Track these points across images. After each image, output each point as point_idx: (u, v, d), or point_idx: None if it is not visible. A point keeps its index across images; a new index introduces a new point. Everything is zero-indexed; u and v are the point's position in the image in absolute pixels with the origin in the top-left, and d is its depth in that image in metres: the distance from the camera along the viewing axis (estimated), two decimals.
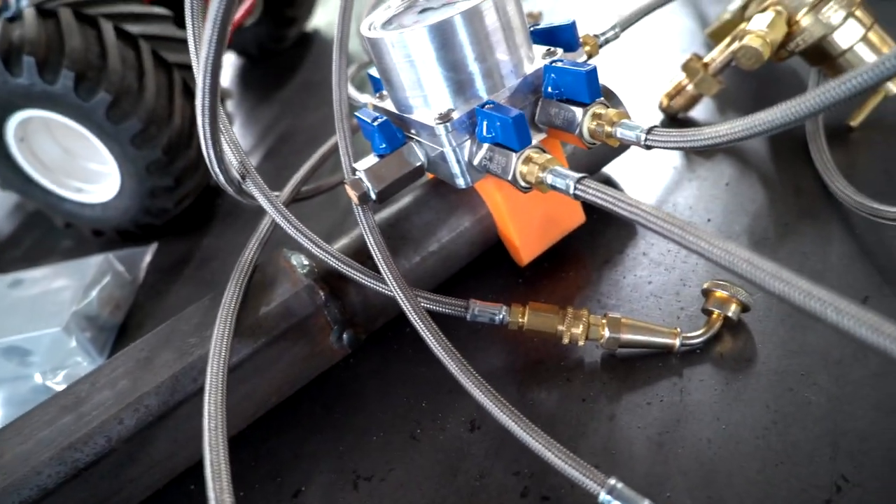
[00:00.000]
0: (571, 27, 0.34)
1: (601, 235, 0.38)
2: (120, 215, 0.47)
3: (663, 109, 0.45)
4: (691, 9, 0.57)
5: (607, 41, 0.39)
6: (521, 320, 0.31)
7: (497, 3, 0.29)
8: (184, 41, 0.46)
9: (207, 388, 0.26)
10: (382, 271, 0.30)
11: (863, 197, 0.33)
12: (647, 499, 0.22)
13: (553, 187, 0.27)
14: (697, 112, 0.45)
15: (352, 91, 0.46)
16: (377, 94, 0.36)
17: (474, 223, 0.35)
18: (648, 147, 0.27)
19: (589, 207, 0.36)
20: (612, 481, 0.22)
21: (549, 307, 0.31)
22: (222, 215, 0.51)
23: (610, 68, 0.49)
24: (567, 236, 0.37)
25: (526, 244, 0.35)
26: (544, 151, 0.28)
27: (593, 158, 0.38)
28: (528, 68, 0.31)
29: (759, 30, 0.36)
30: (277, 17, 0.71)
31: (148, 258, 0.47)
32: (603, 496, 0.22)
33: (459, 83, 0.30)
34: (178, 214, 0.49)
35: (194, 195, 0.49)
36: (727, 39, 0.42)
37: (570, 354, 0.32)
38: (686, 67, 0.43)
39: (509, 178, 0.28)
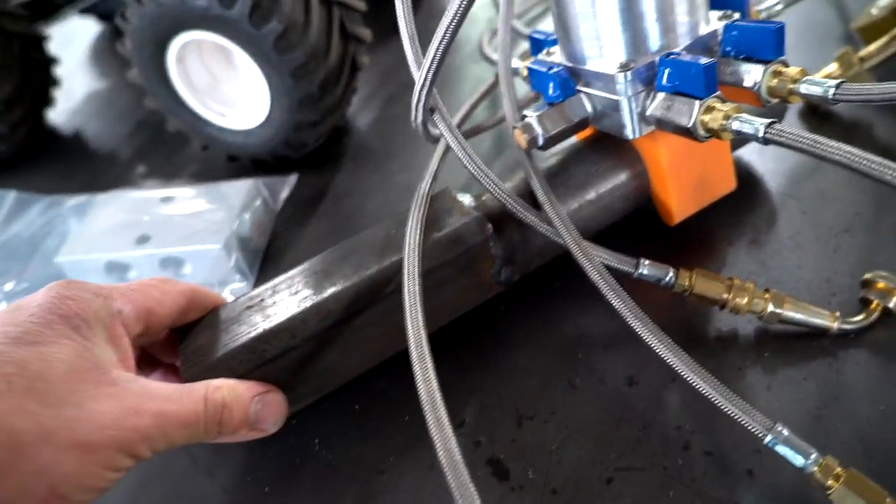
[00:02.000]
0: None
1: (747, 213, 0.39)
2: (261, 144, 0.49)
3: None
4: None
5: (770, 17, 0.40)
6: (688, 283, 0.32)
7: None
8: None
9: (406, 289, 0.28)
10: (552, 216, 0.32)
11: None
12: (814, 450, 0.24)
13: (739, 133, 0.28)
14: (839, 106, 0.45)
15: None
16: (544, 52, 0.37)
17: (630, 178, 0.36)
18: (836, 101, 0.27)
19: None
20: (780, 427, 0.24)
21: (715, 275, 0.32)
22: (351, 154, 0.52)
23: None
24: (713, 210, 0.38)
25: (680, 202, 0.36)
26: (726, 101, 0.29)
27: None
28: (703, 29, 0.32)
29: None
30: None
31: (288, 189, 0.49)
32: (769, 438, 0.24)
33: (638, 37, 0.31)
34: (312, 150, 0.51)
35: (330, 132, 0.51)
36: (886, 37, 0.42)
37: (723, 326, 0.33)
38: (840, 59, 0.43)
39: (690, 124, 0.29)
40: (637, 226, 0.39)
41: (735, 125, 0.28)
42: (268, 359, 0.30)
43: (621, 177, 0.36)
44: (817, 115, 0.45)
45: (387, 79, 0.62)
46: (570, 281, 0.37)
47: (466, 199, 0.35)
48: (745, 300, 0.31)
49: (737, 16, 0.32)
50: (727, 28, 0.31)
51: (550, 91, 0.34)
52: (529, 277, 0.37)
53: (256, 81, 0.46)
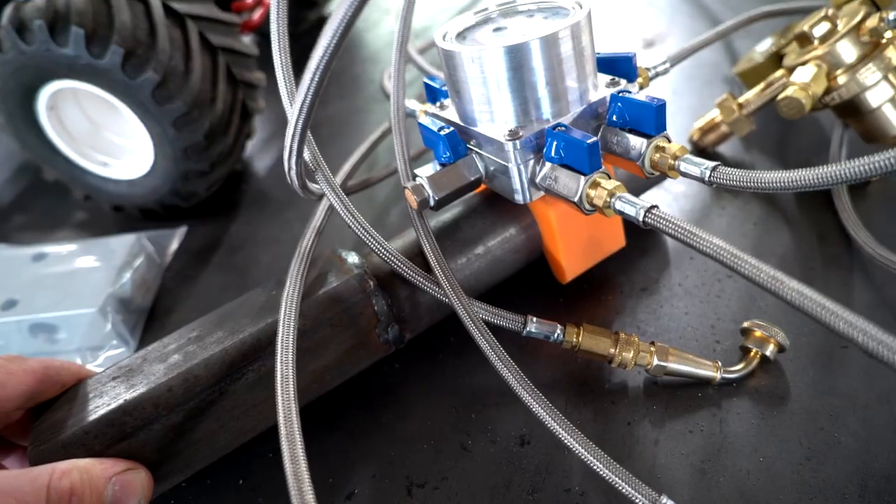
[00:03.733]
0: (631, 59, 0.35)
1: (638, 263, 0.39)
2: (147, 194, 0.47)
3: (694, 142, 0.47)
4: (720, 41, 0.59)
5: (658, 74, 0.41)
6: (575, 340, 0.32)
7: (574, 30, 0.30)
8: (228, 24, 0.46)
9: (279, 358, 0.27)
10: (440, 277, 0.31)
11: (884, 249, 0.35)
12: None
13: (621, 213, 0.28)
14: (724, 148, 0.47)
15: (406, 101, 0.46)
16: (437, 104, 0.36)
17: (520, 232, 0.36)
18: (712, 184, 0.28)
19: (626, 233, 0.38)
20: (664, 499, 0.24)
21: (602, 330, 0.32)
22: (248, 202, 0.50)
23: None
24: (605, 261, 0.38)
25: (570, 262, 0.36)
26: (610, 177, 0.30)
27: (632, 187, 0.40)
28: (594, 95, 0.32)
29: (803, 82, 0.38)
30: (294, 16, 0.70)
31: (177, 242, 0.46)
32: None
33: (527, 103, 0.31)
34: (205, 198, 0.48)
35: (223, 180, 0.49)
36: (762, 84, 0.44)
37: (613, 378, 0.33)
38: (721, 106, 0.45)
39: (575, 199, 0.29)
40: (535, 276, 0.39)
41: (618, 205, 0.28)
42: (129, 432, 0.27)
43: (510, 231, 0.36)
44: (705, 154, 0.47)
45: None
46: (467, 337, 0.36)
47: (351, 257, 0.34)
48: (631, 354, 0.32)
49: (623, 83, 0.33)
50: (613, 98, 0.31)
51: (441, 152, 0.33)
52: (427, 333, 0.36)
53: (138, 130, 0.43)
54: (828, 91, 0.40)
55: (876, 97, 0.39)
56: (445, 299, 0.31)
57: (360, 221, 0.32)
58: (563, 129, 0.30)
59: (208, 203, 0.50)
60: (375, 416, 0.34)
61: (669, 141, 0.30)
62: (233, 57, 0.45)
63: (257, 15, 0.54)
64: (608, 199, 0.28)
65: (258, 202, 0.50)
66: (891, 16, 0.38)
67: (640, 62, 0.41)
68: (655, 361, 0.31)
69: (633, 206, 0.28)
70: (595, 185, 0.29)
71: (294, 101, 0.26)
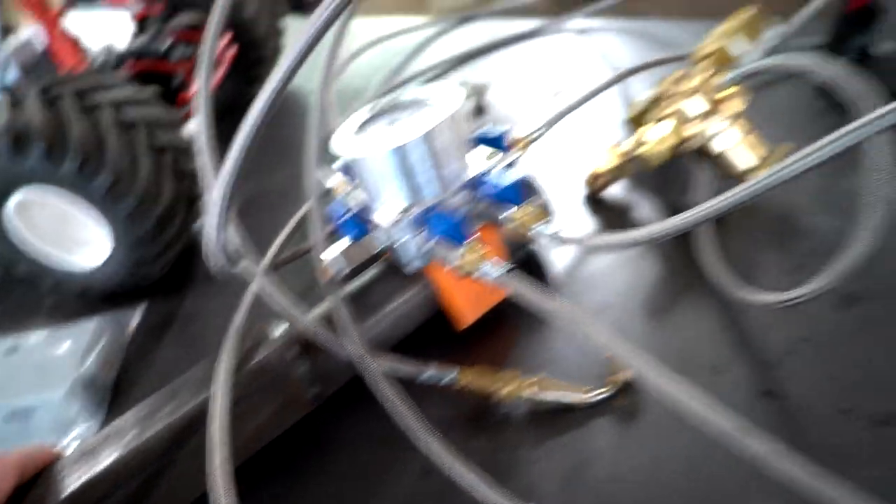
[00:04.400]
0: (504, 135, 0.41)
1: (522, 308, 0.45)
2: (107, 279, 0.53)
3: (587, 188, 0.53)
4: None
5: (534, 140, 0.47)
6: (465, 381, 0.38)
7: (450, 122, 0.36)
8: (172, 123, 0.52)
9: (209, 428, 0.33)
10: (347, 336, 0.38)
11: (729, 279, 0.42)
12: None
13: (486, 277, 0.35)
14: (616, 187, 0.54)
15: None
16: (352, 182, 0.42)
17: (421, 293, 0.42)
18: (563, 242, 0.35)
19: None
20: None
21: (489, 369, 0.38)
22: (200, 276, 0.56)
23: (540, 148, 0.57)
24: (499, 304, 0.44)
25: (462, 313, 0.42)
26: (481, 246, 0.36)
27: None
28: (469, 173, 0.38)
29: (655, 140, 0.45)
30: (243, 74, 0.77)
31: (137, 318, 0.52)
32: None
33: (414, 189, 0.37)
34: (160, 277, 0.55)
35: (176, 258, 0.55)
36: (637, 135, 0.50)
37: (495, 411, 0.39)
38: (604, 154, 0.51)
39: (451, 266, 0.36)
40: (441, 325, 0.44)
41: (484, 269, 0.34)
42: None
43: (412, 291, 0.42)
44: (594, 200, 0.54)
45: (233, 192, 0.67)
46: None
47: (279, 329, 0.40)
48: (514, 388, 0.38)
49: (498, 156, 0.39)
50: (482, 175, 0.38)
51: (348, 231, 0.39)
52: (352, 385, 0.42)
53: (96, 224, 0.49)
54: (683, 141, 0.46)
55: (725, 141, 0.46)
56: (353, 356, 0.37)
57: (279, 300, 0.38)
58: (436, 210, 0.36)
59: (164, 280, 0.56)
60: (305, 460, 0.40)
61: (531, 209, 0.37)
62: (177, 152, 0.52)
63: None
64: (475, 267, 0.35)
65: (209, 276, 0.56)
66: (728, 76, 0.44)
67: (522, 130, 0.48)
68: (531, 393, 0.37)
69: (493, 272, 0.34)
70: (465, 254, 0.35)
71: (216, 184, 0.32)
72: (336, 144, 0.38)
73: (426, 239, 0.37)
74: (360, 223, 0.39)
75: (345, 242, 0.39)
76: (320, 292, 0.41)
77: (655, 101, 0.48)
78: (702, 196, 0.49)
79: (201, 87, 0.38)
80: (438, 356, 0.39)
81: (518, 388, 0.38)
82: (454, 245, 0.36)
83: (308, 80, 0.44)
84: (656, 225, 0.31)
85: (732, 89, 0.46)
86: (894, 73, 0.55)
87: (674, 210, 0.50)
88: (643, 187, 0.54)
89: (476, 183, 0.38)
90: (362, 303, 0.41)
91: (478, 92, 0.68)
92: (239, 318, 0.40)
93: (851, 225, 0.45)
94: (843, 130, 0.25)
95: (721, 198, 0.28)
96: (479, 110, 0.68)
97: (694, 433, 0.35)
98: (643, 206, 0.52)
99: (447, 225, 0.35)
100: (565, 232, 0.35)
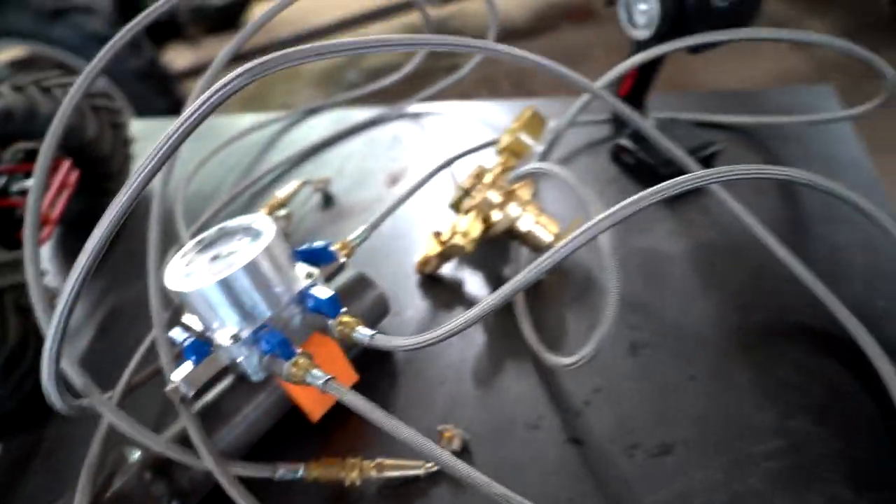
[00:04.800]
0: (326, 246, 0.47)
1: (374, 387, 0.51)
2: None
3: (419, 272, 0.60)
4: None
5: (360, 242, 0.53)
6: (315, 474, 0.43)
7: (269, 251, 0.41)
8: (11, 264, 0.54)
9: None
10: (200, 451, 0.41)
11: (539, 344, 0.49)
12: None
13: (313, 384, 0.39)
14: (446, 268, 0.60)
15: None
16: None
17: (271, 396, 0.46)
18: (374, 349, 0.40)
19: (362, 364, 0.49)
20: None
21: (333, 460, 0.43)
22: None
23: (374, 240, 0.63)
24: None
25: (312, 408, 0.46)
26: (308, 358, 0.40)
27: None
28: (295, 287, 0.43)
29: (463, 230, 0.52)
30: (94, 189, 0.78)
31: None
32: None
33: (244, 312, 0.41)
34: (18, 409, 0.55)
35: (34, 390, 0.56)
36: (452, 224, 0.57)
37: (351, 493, 0.44)
38: (430, 242, 0.58)
39: (285, 377, 0.40)
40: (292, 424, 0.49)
41: (309, 378, 0.39)
42: None
43: (261, 396, 0.46)
44: (432, 279, 0.60)
45: (94, 308, 0.68)
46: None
47: (134, 455, 0.42)
48: (356, 474, 0.42)
49: (316, 272, 0.44)
50: (304, 293, 0.43)
51: (190, 357, 0.43)
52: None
53: None
54: (490, 226, 0.54)
55: (524, 224, 0.54)
56: (207, 469, 0.41)
57: (130, 428, 0.41)
58: (266, 329, 0.41)
59: (23, 413, 0.56)
60: None
61: (349, 317, 0.42)
62: (18, 290, 0.53)
63: (45, 233, 0.63)
64: (302, 375, 0.40)
65: None
66: (514, 174, 0.53)
67: (350, 235, 0.54)
68: (374, 475, 0.42)
69: (317, 380, 0.39)
70: (294, 365, 0.40)
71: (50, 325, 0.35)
72: (167, 279, 0.42)
73: (261, 354, 0.42)
74: (201, 345, 0.43)
75: (188, 367, 0.42)
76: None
77: (468, 191, 0.55)
78: (520, 267, 0.57)
79: (27, 236, 0.41)
80: (298, 449, 0.44)
81: (361, 472, 0.42)
82: (285, 358, 0.40)
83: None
84: (459, 318, 0.37)
85: (518, 184, 0.55)
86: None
87: (498, 281, 0.58)
88: (472, 264, 0.61)
89: (301, 298, 0.43)
90: (215, 415, 0.44)
91: (322, 186, 0.73)
92: (93, 451, 0.43)
93: (643, 279, 0.55)
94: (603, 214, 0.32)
95: (515, 279, 0.34)
96: (327, 201, 0.74)
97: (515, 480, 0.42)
98: (473, 280, 0.59)
99: (276, 342, 0.40)
100: (378, 337, 0.40)
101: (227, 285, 0.40)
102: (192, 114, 0.28)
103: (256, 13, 3.74)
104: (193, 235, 0.68)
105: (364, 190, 0.75)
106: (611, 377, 0.48)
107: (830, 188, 0.39)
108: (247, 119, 0.93)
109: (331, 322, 0.42)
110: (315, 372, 0.39)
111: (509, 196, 0.53)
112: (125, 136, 0.82)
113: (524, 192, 0.54)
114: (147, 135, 0.94)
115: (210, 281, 0.40)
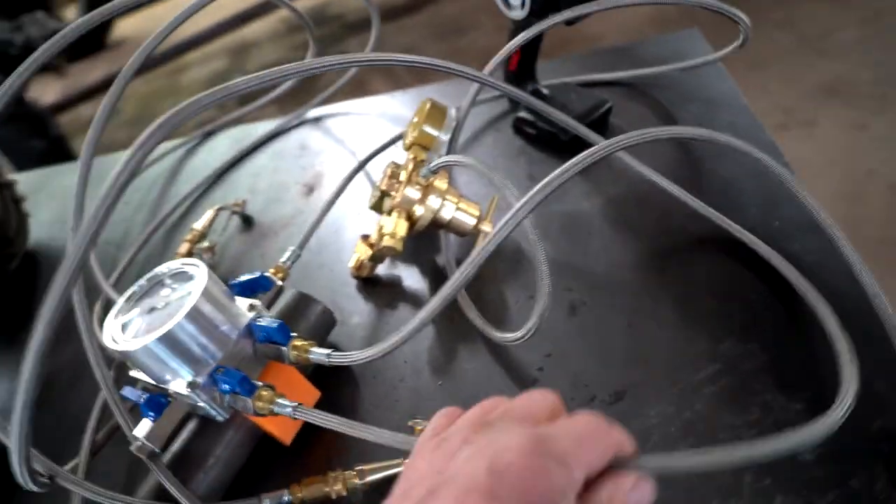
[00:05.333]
0: (263, 275, 0.47)
1: (338, 399, 0.52)
2: None
3: (355, 277, 0.61)
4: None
5: (293, 262, 0.54)
6: (300, 496, 0.44)
7: (207, 292, 0.41)
8: None
9: None
10: (180, 500, 0.41)
11: (485, 323, 0.51)
12: None
13: (280, 413, 0.40)
14: (380, 268, 0.62)
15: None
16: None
17: (240, 429, 0.46)
18: (333, 366, 0.42)
19: (320, 377, 0.50)
20: None
21: (315, 479, 0.44)
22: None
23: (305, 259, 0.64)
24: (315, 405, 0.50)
25: (282, 431, 0.47)
26: (271, 389, 0.41)
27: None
28: (241, 322, 0.43)
29: (390, 231, 0.53)
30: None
31: None
32: None
33: (196, 358, 0.41)
34: None
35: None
36: (377, 225, 0.58)
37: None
38: (359, 248, 0.59)
39: (251, 412, 0.41)
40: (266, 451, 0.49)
41: (276, 408, 0.40)
42: None
43: (230, 433, 0.46)
44: (369, 281, 0.61)
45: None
46: None
47: None
48: (340, 485, 0.44)
49: (259, 303, 0.44)
50: (252, 325, 0.43)
51: (148, 413, 0.42)
52: None
53: None
54: (414, 222, 0.56)
55: (446, 213, 0.56)
56: None
57: (103, 495, 0.41)
58: (221, 371, 0.41)
59: None
60: None
61: (301, 340, 0.43)
62: None
63: None
64: (270, 406, 0.40)
65: None
66: (426, 168, 0.54)
67: (282, 258, 0.54)
68: (358, 482, 0.44)
69: (284, 408, 0.40)
70: (259, 398, 0.41)
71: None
72: (107, 341, 0.41)
73: (222, 395, 0.42)
74: (157, 399, 0.42)
75: (148, 424, 0.42)
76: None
77: (386, 192, 0.56)
78: (450, 253, 0.59)
79: None
80: (276, 476, 0.44)
81: (344, 483, 0.44)
82: (247, 394, 0.41)
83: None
84: (409, 324, 0.39)
85: (431, 177, 0.56)
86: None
87: (434, 271, 0.60)
88: (405, 259, 0.62)
89: (248, 331, 0.43)
90: (187, 462, 0.44)
91: (239, 209, 0.72)
92: None
93: (568, 241, 0.58)
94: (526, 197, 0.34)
95: (454, 279, 0.36)
96: (246, 223, 0.73)
97: None
98: (410, 275, 0.61)
99: (235, 380, 0.40)
100: (335, 356, 0.41)
101: (173, 337, 0.40)
102: (114, 184, 0.28)
103: (122, 28, 3.54)
104: (115, 285, 0.66)
105: (281, 205, 0.74)
106: (557, 340, 0.51)
107: (711, 138, 0.43)
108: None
109: (284, 349, 0.43)
110: (281, 401, 0.40)
111: (427, 189, 0.55)
112: (15, 196, 0.77)
113: (441, 182, 0.55)
114: (39, 187, 0.89)
115: (155, 336, 0.39)
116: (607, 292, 0.54)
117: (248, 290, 0.47)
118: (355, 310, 0.59)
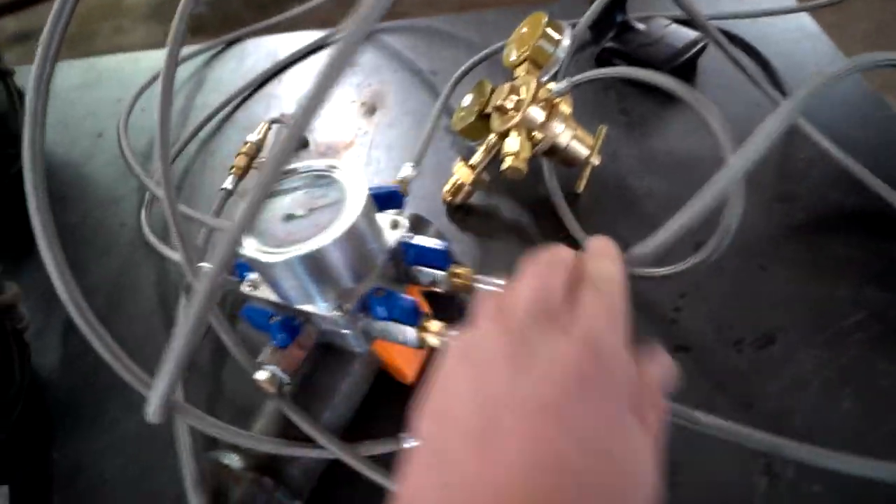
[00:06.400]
0: (398, 191, 0.41)
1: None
2: None
3: (447, 203, 0.55)
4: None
5: (410, 178, 0.48)
6: None
7: (363, 212, 0.34)
8: None
9: None
10: (318, 439, 0.36)
11: None
12: None
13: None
14: (473, 199, 0.56)
15: None
16: (247, 283, 0.39)
17: (362, 364, 0.41)
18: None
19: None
20: None
21: None
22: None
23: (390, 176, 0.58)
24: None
25: (408, 366, 0.42)
26: (437, 320, 0.36)
27: None
28: (386, 242, 0.37)
29: (514, 151, 0.48)
30: None
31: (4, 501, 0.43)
32: None
33: (343, 278, 0.35)
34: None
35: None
36: (483, 148, 0.53)
37: None
38: (458, 171, 0.54)
39: (412, 344, 0.36)
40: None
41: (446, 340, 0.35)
42: None
43: (355, 366, 0.40)
44: (462, 209, 0.56)
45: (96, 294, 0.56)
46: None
47: (233, 461, 0.36)
48: None
49: (401, 220, 0.38)
50: (405, 246, 0.37)
51: (278, 337, 0.36)
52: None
53: None
54: (535, 146, 0.51)
55: (564, 139, 0.51)
56: (333, 456, 0.36)
57: (227, 431, 0.35)
58: (381, 292, 0.35)
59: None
60: None
61: (461, 267, 0.38)
62: None
63: None
64: (440, 338, 0.35)
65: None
66: (554, 88, 0.49)
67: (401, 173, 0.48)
68: None
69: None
70: (424, 329, 0.35)
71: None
72: (248, 247, 0.34)
73: (373, 322, 0.36)
74: (290, 327, 0.36)
75: (275, 350, 0.36)
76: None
77: (500, 108, 0.51)
78: (552, 183, 0.55)
79: None
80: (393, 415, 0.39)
81: None
82: (410, 323, 0.35)
83: None
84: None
85: (558, 99, 0.51)
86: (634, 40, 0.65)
87: (538, 200, 0.55)
88: (496, 192, 0.57)
89: (397, 251, 0.38)
90: (311, 397, 0.39)
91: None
92: (189, 465, 0.36)
93: (682, 181, 0.55)
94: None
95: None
96: (305, 144, 0.65)
97: None
98: (506, 204, 0.56)
99: (397, 307, 0.35)
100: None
101: (324, 254, 0.33)
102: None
103: None
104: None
105: (338, 123, 0.67)
106: (689, 280, 0.48)
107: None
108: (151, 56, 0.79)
109: (440, 275, 0.38)
110: (452, 332, 0.35)
111: (552, 112, 0.50)
112: (17, 87, 0.66)
113: (566, 106, 0.50)
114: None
115: (302, 249, 0.33)
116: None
117: (380, 202, 0.41)
118: (454, 238, 0.54)
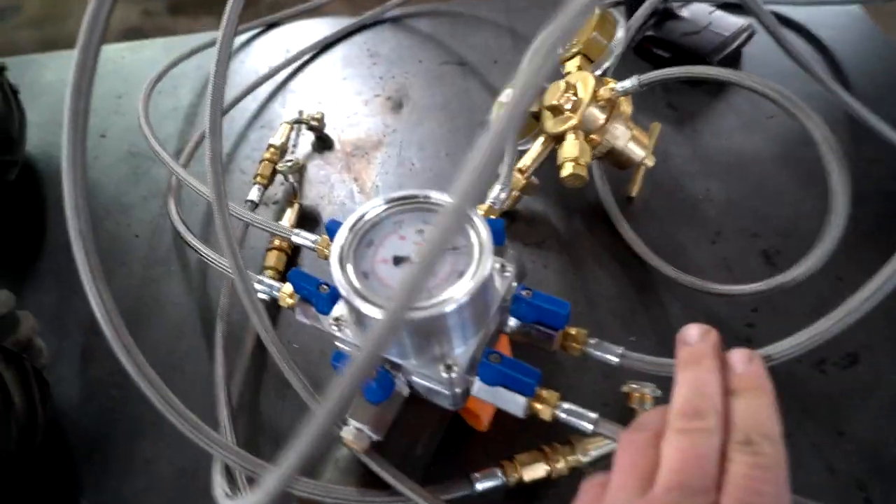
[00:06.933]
0: (501, 224, 0.35)
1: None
2: None
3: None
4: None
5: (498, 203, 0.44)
6: (517, 474, 0.36)
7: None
8: None
9: None
10: (405, 491, 0.33)
11: (676, 271, 0.45)
12: None
13: (568, 423, 0.31)
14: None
15: None
16: (333, 321, 0.34)
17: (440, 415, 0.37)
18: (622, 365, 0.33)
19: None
20: None
21: (531, 454, 0.36)
22: None
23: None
24: None
25: (482, 416, 0.39)
26: (551, 390, 0.32)
27: None
28: (496, 294, 0.32)
29: (574, 156, 0.44)
30: None
31: None
32: None
33: (454, 339, 0.31)
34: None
35: None
36: (535, 151, 0.49)
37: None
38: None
39: (523, 415, 0.32)
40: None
41: (563, 416, 0.31)
42: None
43: (437, 414, 0.36)
44: (506, 215, 0.52)
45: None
46: None
47: None
48: (561, 463, 0.36)
49: (508, 266, 0.33)
50: (519, 301, 0.33)
51: (374, 395, 0.32)
52: None
53: None
54: (593, 147, 0.47)
55: (622, 140, 0.47)
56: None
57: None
58: (496, 357, 0.31)
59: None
60: None
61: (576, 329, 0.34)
62: None
63: None
64: (553, 412, 0.31)
65: None
66: (618, 86, 0.45)
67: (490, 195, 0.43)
68: (579, 456, 0.36)
69: (579, 419, 0.31)
70: (539, 399, 0.31)
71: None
72: (356, 299, 0.29)
73: (479, 383, 0.32)
74: (388, 383, 0.32)
75: (368, 409, 0.33)
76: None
77: (556, 108, 0.47)
78: (604, 188, 0.51)
79: None
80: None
81: (567, 457, 0.36)
82: (524, 393, 0.31)
83: None
84: None
85: (621, 98, 0.47)
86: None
87: (583, 207, 0.52)
88: (542, 196, 0.53)
89: (506, 301, 0.33)
90: (395, 449, 0.35)
91: (317, 123, 0.60)
92: None
93: (741, 184, 0.52)
94: None
95: None
96: (322, 142, 0.61)
97: None
98: (555, 210, 0.52)
99: (514, 381, 0.31)
100: (633, 356, 0.33)
101: (455, 311, 0.28)
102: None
103: None
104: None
105: (362, 121, 0.63)
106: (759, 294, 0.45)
107: None
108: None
109: (554, 334, 0.34)
110: (572, 406, 0.31)
111: (612, 112, 0.46)
112: (11, 85, 0.60)
113: (627, 105, 0.47)
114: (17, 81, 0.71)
115: (438, 310, 0.28)
116: (800, 240, 0.48)
117: None
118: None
